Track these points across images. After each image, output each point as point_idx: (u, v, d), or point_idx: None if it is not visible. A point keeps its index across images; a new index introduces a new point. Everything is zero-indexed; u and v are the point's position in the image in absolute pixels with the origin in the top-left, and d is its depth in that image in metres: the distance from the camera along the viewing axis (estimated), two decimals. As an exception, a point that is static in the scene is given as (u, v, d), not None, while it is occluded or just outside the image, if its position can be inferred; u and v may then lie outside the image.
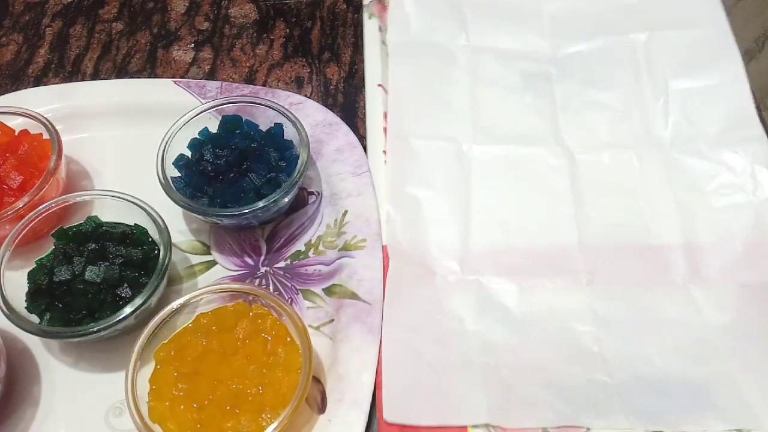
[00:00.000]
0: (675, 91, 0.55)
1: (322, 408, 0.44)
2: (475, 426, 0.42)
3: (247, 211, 0.48)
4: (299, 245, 0.52)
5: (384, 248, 0.49)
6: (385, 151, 0.53)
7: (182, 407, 0.42)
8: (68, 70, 0.63)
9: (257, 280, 0.50)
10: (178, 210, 0.51)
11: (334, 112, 0.57)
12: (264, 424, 0.41)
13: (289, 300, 0.49)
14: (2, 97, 0.59)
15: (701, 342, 0.45)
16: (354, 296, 0.48)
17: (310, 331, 0.45)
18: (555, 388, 0.44)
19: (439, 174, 0.53)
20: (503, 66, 0.58)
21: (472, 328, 0.46)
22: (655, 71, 0.57)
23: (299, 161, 0.50)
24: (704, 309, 0.47)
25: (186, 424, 0.41)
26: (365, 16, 0.61)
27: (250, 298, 0.46)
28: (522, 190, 0.52)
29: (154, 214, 0.48)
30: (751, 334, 0.45)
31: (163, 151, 0.51)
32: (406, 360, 0.45)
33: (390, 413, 0.43)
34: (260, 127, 0.52)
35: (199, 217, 0.50)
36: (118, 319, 0.44)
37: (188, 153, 0.52)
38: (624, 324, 0.46)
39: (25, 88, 0.61)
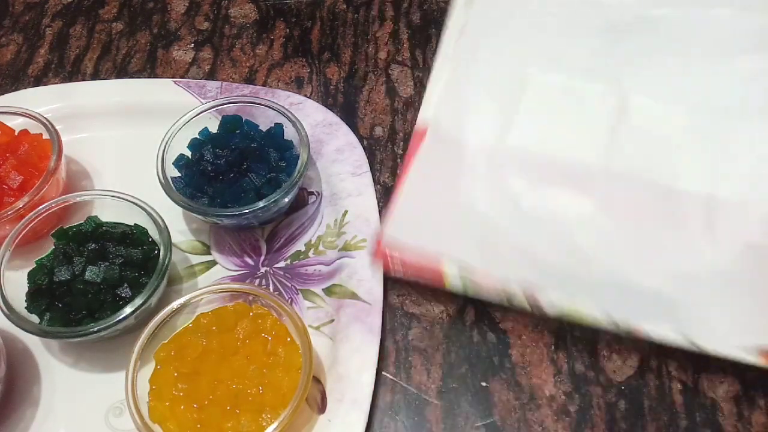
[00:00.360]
0: (743, 69, 0.57)
1: (322, 408, 0.44)
2: (450, 275, 0.46)
3: (247, 211, 0.48)
4: (299, 245, 0.52)
5: (423, 132, 0.53)
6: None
7: (182, 407, 0.42)
8: (68, 70, 0.63)
9: (257, 280, 0.50)
10: (178, 210, 0.51)
11: (334, 112, 0.57)
12: (264, 424, 0.41)
13: (289, 300, 0.49)
14: (2, 97, 0.59)
15: (690, 274, 0.47)
16: (354, 296, 0.48)
17: (310, 331, 0.45)
18: (533, 261, 0.48)
19: (496, 86, 0.56)
20: (585, 15, 0.60)
21: (481, 208, 0.50)
22: (729, 47, 0.58)
23: (299, 161, 0.50)
24: (705, 254, 0.48)
25: (186, 424, 0.41)
26: None
27: (250, 298, 0.46)
28: (568, 113, 0.55)
29: (154, 214, 0.48)
30: (741, 283, 0.47)
31: (163, 151, 0.51)
32: (413, 209, 0.49)
33: (390, 234, 0.48)
34: (260, 127, 0.52)
35: (199, 217, 0.50)
36: (118, 319, 0.44)
37: (188, 153, 0.52)
38: (623, 245, 0.49)
39: (25, 88, 0.61)
